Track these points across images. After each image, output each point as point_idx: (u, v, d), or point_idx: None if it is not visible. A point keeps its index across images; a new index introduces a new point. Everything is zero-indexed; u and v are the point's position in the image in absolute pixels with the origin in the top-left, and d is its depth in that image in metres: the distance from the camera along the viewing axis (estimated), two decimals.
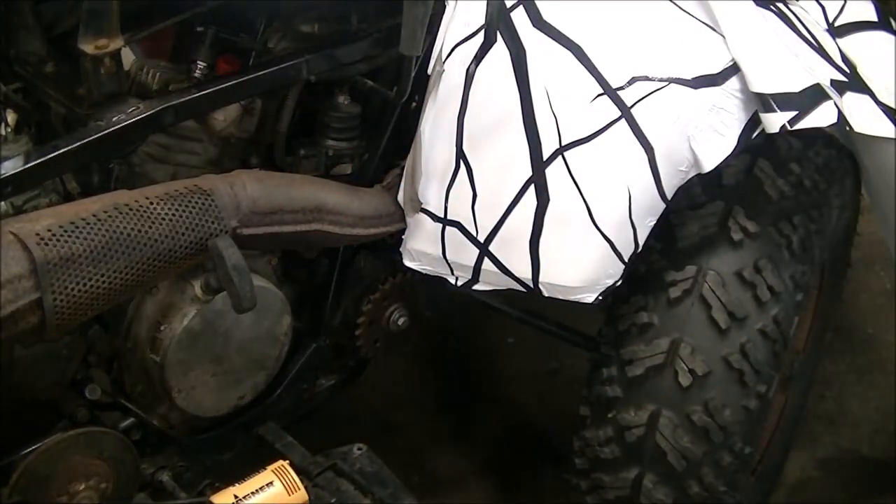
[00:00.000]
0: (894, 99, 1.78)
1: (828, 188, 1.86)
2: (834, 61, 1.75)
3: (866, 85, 1.77)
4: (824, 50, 1.76)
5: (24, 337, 1.37)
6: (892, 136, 1.73)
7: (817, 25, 1.84)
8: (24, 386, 1.54)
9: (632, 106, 1.58)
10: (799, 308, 1.79)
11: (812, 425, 2.49)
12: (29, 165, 1.45)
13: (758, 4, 1.71)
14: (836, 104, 1.62)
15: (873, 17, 1.95)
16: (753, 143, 1.67)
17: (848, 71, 1.77)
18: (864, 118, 1.70)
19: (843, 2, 1.95)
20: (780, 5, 1.78)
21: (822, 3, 1.93)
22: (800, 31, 1.74)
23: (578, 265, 1.62)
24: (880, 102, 1.75)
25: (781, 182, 1.77)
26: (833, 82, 1.69)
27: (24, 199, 1.52)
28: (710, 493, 1.75)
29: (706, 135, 1.59)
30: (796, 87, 1.60)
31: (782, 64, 1.62)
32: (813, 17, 1.87)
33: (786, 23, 1.73)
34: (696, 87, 1.59)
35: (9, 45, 1.67)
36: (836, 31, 1.88)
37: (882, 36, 1.92)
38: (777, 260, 1.72)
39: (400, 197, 1.74)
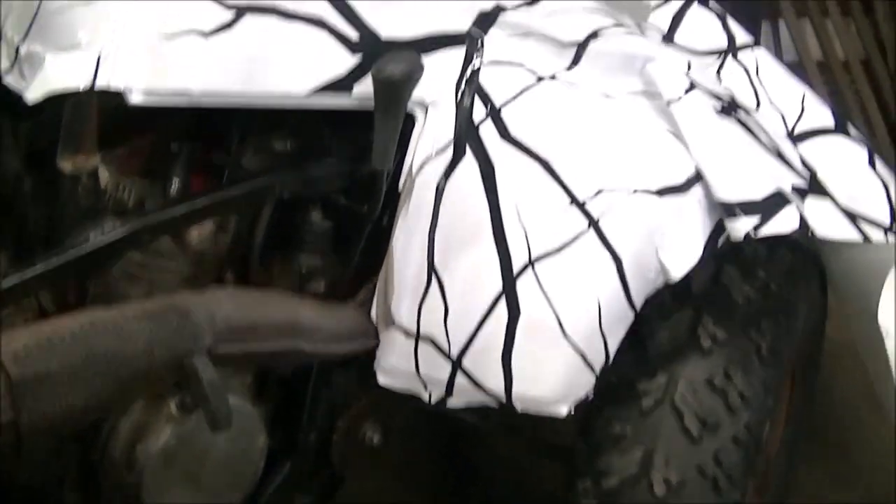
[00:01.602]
0: (855, 201, 1.83)
1: (794, 292, 1.90)
2: (794, 167, 1.80)
3: (826, 189, 1.81)
4: (784, 157, 1.80)
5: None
6: (856, 238, 1.76)
7: (777, 133, 1.90)
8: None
9: (599, 217, 1.60)
10: (770, 413, 1.81)
11: None
12: (8, 284, 1.48)
13: (719, 114, 1.76)
14: (798, 210, 1.66)
15: (830, 124, 2.01)
16: (720, 250, 1.69)
17: (808, 176, 1.81)
18: (826, 222, 1.73)
19: (801, 109, 2.01)
20: (742, 114, 1.83)
21: (782, 111, 2.00)
22: (761, 140, 1.79)
23: (551, 378, 1.62)
24: (840, 206, 1.79)
25: (748, 288, 1.81)
26: (794, 188, 1.73)
27: None
28: None
29: (673, 243, 1.61)
30: (759, 194, 1.64)
31: (745, 172, 1.67)
32: (773, 124, 1.94)
33: (747, 131, 1.78)
34: (661, 196, 1.62)
35: None
36: (796, 138, 1.94)
37: (840, 140, 1.99)
38: (746, 366, 1.74)
39: (373, 313, 1.74)
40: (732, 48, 2.13)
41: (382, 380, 1.74)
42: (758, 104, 2.01)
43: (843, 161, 1.94)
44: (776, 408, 1.95)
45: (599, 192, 1.62)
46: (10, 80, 1.56)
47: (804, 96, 2.05)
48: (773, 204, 1.64)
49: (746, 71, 2.08)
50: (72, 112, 1.51)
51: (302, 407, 1.84)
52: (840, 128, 2.01)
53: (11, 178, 1.67)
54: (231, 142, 1.77)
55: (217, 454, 1.61)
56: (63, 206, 1.60)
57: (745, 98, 2.00)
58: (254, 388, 1.76)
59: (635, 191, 1.63)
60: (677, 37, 2.14)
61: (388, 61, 1.57)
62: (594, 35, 1.75)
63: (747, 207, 1.62)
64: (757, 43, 2.17)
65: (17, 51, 1.56)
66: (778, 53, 3.98)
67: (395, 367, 1.73)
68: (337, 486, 2.00)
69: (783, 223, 1.63)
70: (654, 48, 1.76)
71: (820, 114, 2.02)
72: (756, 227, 1.61)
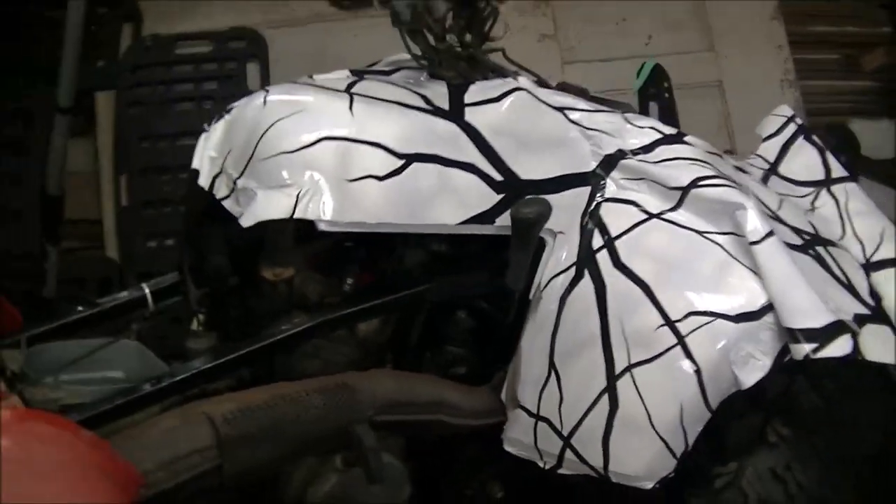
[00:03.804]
0: None
1: (857, 403, 2.21)
2: (861, 297, 2.09)
3: (887, 317, 2.09)
4: (853, 287, 2.10)
5: (204, 493, 1.79)
6: None
7: (852, 263, 2.20)
8: None
9: (686, 335, 1.94)
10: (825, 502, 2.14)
11: None
12: (219, 362, 1.94)
13: (795, 248, 2.08)
14: (852, 337, 1.95)
15: None
16: (794, 363, 1.95)
17: (873, 304, 2.09)
18: (878, 347, 1.99)
19: (880, 240, 2.30)
20: (820, 248, 2.14)
21: (863, 241, 2.30)
22: (833, 272, 2.10)
23: (640, 459, 1.96)
24: None
25: (814, 396, 2.13)
26: (856, 316, 2.01)
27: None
28: None
29: (745, 360, 1.93)
30: (819, 323, 1.91)
31: (808, 304, 1.94)
32: (853, 253, 2.25)
33: (821, 265, 2.09)
34: (737, 322, 1.94)
35: (202, 260, 2.18)
36: (871, 266, 2.23)
37: None
38: (806, 461, 2.07)
39: (503, 395, 2.15)
40: (828, 181, 2.45)
41: (508, 447, 2.13)
42: (843, 234, 2.33)
43: None
44: (835, 499, 2.20)
45: (688, 314, 1.96)
46: (228, 205, 2.03)
47: (884, 228, 2.34)
48: (830, 332, 1.92)
49: (837, 203, 2.39)
50: (275, 235, 1.96)
51: (443, 466, 2.27)
52: None
53: (222, 276, 2.13)
54: (395, 244, 2.18)
55: (371, 501, 2.01)
56: (261, 301, 2.05)
57: (833, 227, 2.35)
58: (405, 448, 2.18)
59: (716, 315, 1.96)
60: (781, 167, 2.50)
61: (524, 205, 1.99)
62: (695, 183, 2.09)
63: (808, 334, 1.91)
64: (850, 178, 2.49)
65: (234, 183, 2.03)
66: None
67: (518, 439, 2.11)
68: None
69: (837, 349, 1.91)
70: (743, 198, 2.05)
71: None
72: (814, 351, 1.90)
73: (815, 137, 2.56)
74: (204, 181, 2.12)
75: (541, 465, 2.09)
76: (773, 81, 4.24)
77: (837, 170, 2.49)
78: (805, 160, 2.52)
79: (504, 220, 2.03)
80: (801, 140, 2.55)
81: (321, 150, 1.98)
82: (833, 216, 2.38)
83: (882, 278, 2.23)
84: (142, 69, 3.88)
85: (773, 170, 2.51)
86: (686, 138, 2.27)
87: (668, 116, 3.11)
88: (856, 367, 2.12)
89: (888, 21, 4.50)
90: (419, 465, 2.20)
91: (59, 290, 3.44)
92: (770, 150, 2.56)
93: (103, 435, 1.68)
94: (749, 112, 2.73)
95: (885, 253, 2.29)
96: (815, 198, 2.43)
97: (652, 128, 2.25)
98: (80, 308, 2.18)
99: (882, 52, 4.34)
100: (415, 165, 2.00)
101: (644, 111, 3.11)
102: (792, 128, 2.57)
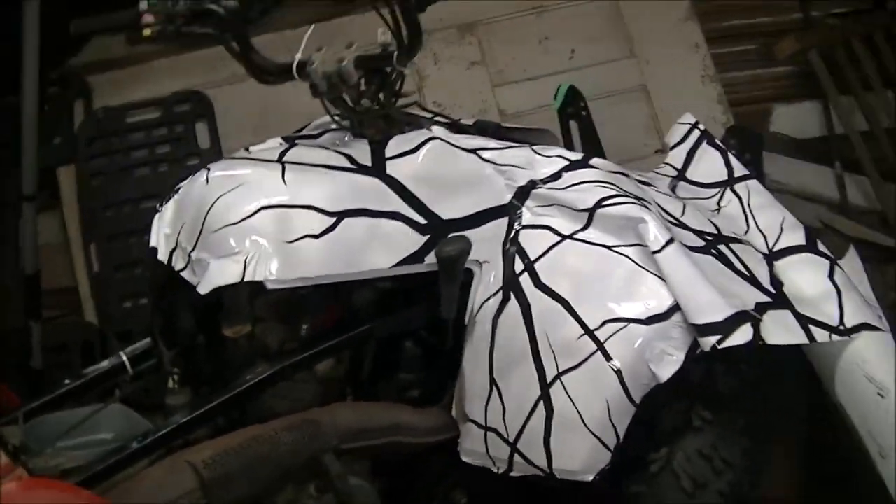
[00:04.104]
0: (809, 308, 2.32)
1: (771, 380, 2.45)
2: (762, 286, 2.31)
3: (788, 301, 2.31)
4: (755, 278, 2.32)
5: None
6: (803, 340, 2.25)
7: (754, 255, 2.43)
8: None
9: (604, 341, 2.17)
10: (751, 473, 2.36)
11: None
12: (196, 415, 2.18)
13: (697, 250, 2.30)
14: (752, 325, 2.16)
15: (803, 241, 2.52)
16: (710, 353, 2.16)
17: (774, 292, 2.31)
18: (778, 331, 2.21)
19: (780, 230, 2.54)
20: (721, 247, 2.37)
21: (765, 233, 2.53)
22: (735, 267, 2.32)
23: (578, 456, 2.18)
24: (800, 314, 2.28)
25: (731, 379, 2.36)
26: (757, 305, 2.23)
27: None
28: None
29: (660, 356, 2.15)
30: (720, 317, 2.14)
31: (709, 301, 2.16)
32: (756, 246, 2.48)
33: (723, 262, 2.32)
34: (649, 324, 2.16)
35: (170, 324, 2.42)
36: (773, 256, 2.47)
37: (808, 256, 2.48)
38: (728, 439, 2.32)
39: (453, 412, 2.38)
40: (731, 180, 2.69)
41: (464, 458, 2.35)
42: (747, 228, 2.57)
43: (807, 274, 2.43)
44: (762, 469, 2.44)
45: (604, 322, 2.19)
46: (186, 275, 2.26)
47: (784, 219, 2.57)
48: (731, 323, 2.15)
49: (740, 200, 2.63)
50: (230, 298, 2.20)
51: (409, 482, 2.50)
52: (810, 245, 2.52)
53: (189, 337, 2.37)
54: (344, 288, 2.38)
55: None
56: (227, 355, 2.30)
57: (738, 223, 2.58)
58: (371, 468, 2.37)
59: (629, 320, 2.19)
60: (688, 172, 2.75)
61: (446, 244, 2.23)
62: (600, 203, 2.32)
63: (712, 328, 2.14)
64: (750, 176, 2.71)
65: (189, 256, 2.26)
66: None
67: (472, 449, 2.34)
68: None
69: (738, 337, 2.14)
70: (643, 212, 2.27)
71: (795, 234, 2.53)
72: (718, 342, 2.14)
73: (717, 141, 2.80)
74: (162, 256, 2.33)
75: (494, 470, 2.30)
76: (694, 78, 4.42)
77: (739, 169, 2.72)
78: (709, 163, 2.75)
79: (432, 258, 2.26)
80: (704, 145, 2.78)
81: (261, 219, 2.19)
82: (737, 213, 2.62)
83: (783, 265, 2.46)
84: (97, 141, 4.04)
85: (681, 176, 2.75)
86: (591, 161, 2.48)
87: (588, 131, 3.35)
88: (769, 349, 2.31)
89: (798, 8, 4.73)
90: (388, 483, 2.41)
91: (45, 359, 3.63)
92: (677, 157, 2.80)
93: (101, 492, 1.92)
94: (675, 110, 2.92)
95: (785, 242, 2.52)
96: (721, 197, 2.67)
97: (559, 156, 2.47)
98: (66, 381, 2.39)
99: (793, 38, 4.56)
100: (346, 221, 2.22)
101: (565, 130, 3.36)
102: (696, 134, 2.81)
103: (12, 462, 1.93)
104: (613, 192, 2.35)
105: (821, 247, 2.55)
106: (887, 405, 2.59)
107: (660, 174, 2.77)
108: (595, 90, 4.13)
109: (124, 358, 2.42)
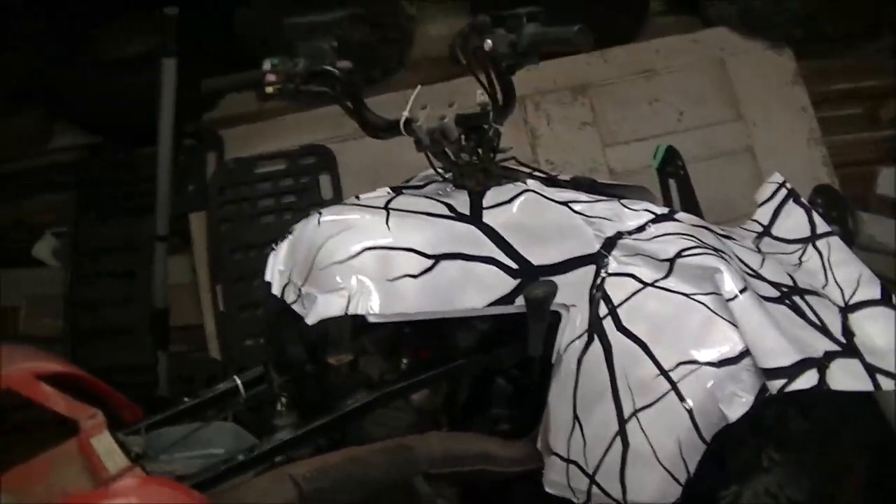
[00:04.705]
0: (878, 359, 2.42)
1: (843, 425, 2.56)
2: (833, 336, 2.43)
3: (858, 351, 2.42)
4: (826, 328, 2.45)
5: None
6: (868, 388, 2.35)
7: (829, 307, 2.55)
8: None
9: (678, 381, 2.32)
10: None
11: None
12: (298, 434, 2.40)
13: (772, 300, 2.44)
14: (819, 371, 2.29)
15: (878, 296, 2.62)
16: (786, 396, 2.29)
17: (844, 342, 2.43)
18: (844, 378, 2.33)
19: (857, 285, 2.65)
20: (796, 298, 2.50)
21: (842, 287, 2.65)
22: (807, 317, 2.45)
23: (651, 488, 2.33)
24: (868, 364, 2.40)
25: (802, 422, 2.48)
26: (826, 353, 2.36)
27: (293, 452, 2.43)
28: None
29: (730, 398, 2.29)
30: (788, 362, 2.28)
31: (778, 347, 2.31)
32: (833, 299, 2.60)
33: (796, 312, 2.45)
34: (720, 367, 2.31)
35: (282, 353, 2.64)
36: (849, 309, 2.58)
37: (882, 310, 2.59)
38: (795, 480, 2.44)
39: (539, 445, 2.54)
40: (813, 237, 2.83)
41: (547, 488, 2.52)
42: (826, 282, 2.70)
43: (879, 326, 2.54)
44: None
45: (678, 364, 2.34)
46: (296, 308, 2.48)
47: (861, 274, 2.68)
48: (797, 368, 2.29)
49: (821, 255, 2.77)
50: (334, 328, 2.41)
51: None
52: (885, 299, 2.62)
53: (299, 364, 2.59)
54: (443, 327, 2.58)
55: None
56: (330, 381, 2.51)
57: (818, 277, 2.71)
58: (461, 496, 2.58)
59: (701, 363, 2.34)
60: (773, 229, 2.90)
61: (534, 287, 2.42)
62: (680, 254, 2.49)
63: (779, 372, 2.28)
64: (832, 233, 2.83)
65: (299, 290, 2.49)
66: None
67: (554, 480, 2.51)
68: None
69: (803, 382, 2.28)
70: (720, 263, 2.43)
71: (871, 288, 2.64)
72: (784, 386, 2.27)
73: (802, 199, 2.95)
74: (276, 290, 2.56)
75: (575, 501, 2.47)
76: (800, 140, 4.51)
77: (822, 226, 2.85)
78: (794, 220, 2.89)
79: (521, 300, 2.45)
80: (791, 203, 2.93)
81: (365, 259, 2.40)
82: (817, 268, 2.75)
83: (857, 318, 2.58)
84: (227, 189, 4.32)
85: (766, 232, 2.90)
86: (676, 216, 2.66)
87: (685, 189, 3.51)
88: (843, 395, 2.45)
89: None
90: None
91: (171, 390, 3.89)
92: (764, 214, 2.95)
93: (210, 496, 2.14)
94: (781, 171, 3.04)
95: (861, 296, 2.64)
96: (803, 253, 2.80)
97: (645, 210, 2.65)
98: (185, 399, 2.64)
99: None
100: (443, 263, 2.41)
101: (664, 188, 3.52)
102: (783, 192, 2.96)
103: (132, 463, 2.16)
104: (693, 244, 2.52)
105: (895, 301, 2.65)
106: None
107: (746, 230, 2.92)
108: (703, 151, 4.33)
109: (238, 382, 2.65)
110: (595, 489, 2.42)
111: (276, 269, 2.61)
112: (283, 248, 2.63)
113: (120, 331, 4.19)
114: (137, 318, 4.09)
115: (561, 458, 2.48)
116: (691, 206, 3.42)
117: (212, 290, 4.22)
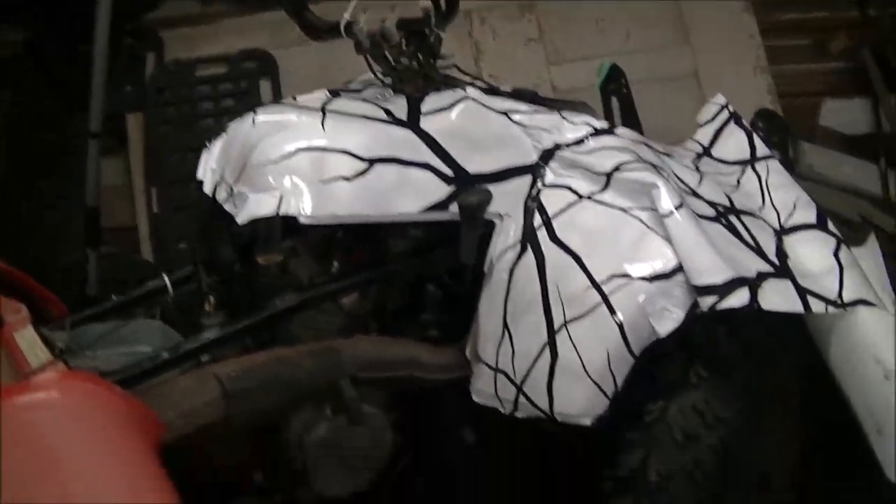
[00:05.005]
0: (811, 281, 2.44)
1: (773, 345, 2.55)
2: (767, 257, 2.43)
3: (791, 272, 2.43)
4: (761, 249, 2.44)
5: (216, 439, 2.20)
6: (799, 310, 2.37)
7: (764, 228, 2.55)
8: (215, 470, 2.33)
9: (609, 294, 2.31)
10: (742, 433, 2.47)
11: None
12: (224, 333, 2.37)
13: (708, 219, 2.42)
14: (750, 290, 2.29)
15: (813, 220, 2.65)
16: (715, 314, 2.29)
17: (777, 263, 2.43)
18: (775, 298, 2.33)
19: (793, 208, 2.67)
20: (732, 218, 2.49)
21: (778, 210, 2.66)
22: (742, 237, 2.44)
23: (578, 401, 2.33)
24: (800, 286, 2.41)
25: (732, 341, 2.45)
26: (759, 273, 2.36)
27: (219, 351, 2.40)
28: None
29: (660, 313, 2.28)
30: (720, 280, 2.27)
31: (711, 264, 2.29)
32: (769, 221, 2.60)
33: (731, 231, 2.44)
34: (651, 282, 2.30)
35: (211, 252, 2.61)
36: (784, 231, 2.59)
37: (817, 234, 2.62)
38: (722, 397, 2.42)
39: (467, 352, 2.53)
40: (753, 159, 2.82)
41: (475, 397, 2.51)
42: (762, 205, 2.69)
43: (812, 249, 2.56)
44: (750, 427, 2.53)
45: (611, 277, 2.33)
46: (227, 207, 2.44)
47: (798, 198, 2.69)
48: (730, 286, 2.28)
49: (759, 178, 2.76)
50: (264, 228, 2.38)
51: (421, 415, 2.67)
52: (820, 223, 2.65)
53: (228, 264, 2.56)
54: (379, 232, 2.57)
55: (357, 443, 2.38)
56: (259, 282, 2.48)
57: (755, 199, 2.71)
58: (386, 401, 2.49)
59: (634, 277, 2.33)
60: (714, 150, 2.89)
61: (468, 194, 2.39)
62: (617, 168, 2.46)
63: (710, 289, 2.27)
64: (771, 156, 2.83)
65: (231, 189, 2.45)
66: None
67: (482, 389, 2.50)
68: (446, 474, 2.79)
69: (734, 300, 2.27)
70: (657, 178, 2.40)
71: (807, 212, 2.66)
72: (715, 303, 2.27)
73: (744, 122, 2.94)
74: (208, 189, 2.54)
75: (502, 410, 2.46)
76: (746, 68, 4.51)
77: (762, 149, 2.85)
78: (734, 142, 2.89)
79: (456, 208, 2.42)
80: (732, 125, 2.92)
81: (299, 159, 2.37)
82: (755, 190, 2.74)
83: (792, 241, 2.58)
84: (166, 90, 4.28)
85: (706, 152, 2.89)
86: (615, 130, 2.64)
87: (627, 109, 3.49)
88: (773, 317, 2.44)
89: (855, 5, 4.81)
90: (400, 416, 2.54)
91: (102, 291, 3.84)
92: (704, 134, 2.94)
93: (133, 393, 2.11)
94: (725, 98, 3.06)
95: (797, 219, 2.65)
96: (741, 175, 2.80)
97: (585, 123, 2.62)
98: (113, 297, 2.60)
99: (846, 34, 4.66)
100: (378, 167, 2.38)
101: (606, 106, 3.50)
102: (725, 114, 2.95)
103: (54, 358, 2.13)
104: (631, 159, 2.49)
105: (830, 226, 2.67)
106: (892, 387, 2.72)
107: (686, 149, 2.91)
108: (648, 74, 4.29)
109: (166, 280, 2.62)
110: (522, 399, 2.41)
111: (209, 167, 2.58)
112: (216, 147, 2.60)
113: (52, 230, 4.11)
114: (70, 218, 4.01)
115: (489, 367, 2.47)
116: (633, 126, 3.40)
117: (146, 191, 4.20)
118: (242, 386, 2.20)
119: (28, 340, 2.21)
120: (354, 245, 2.57)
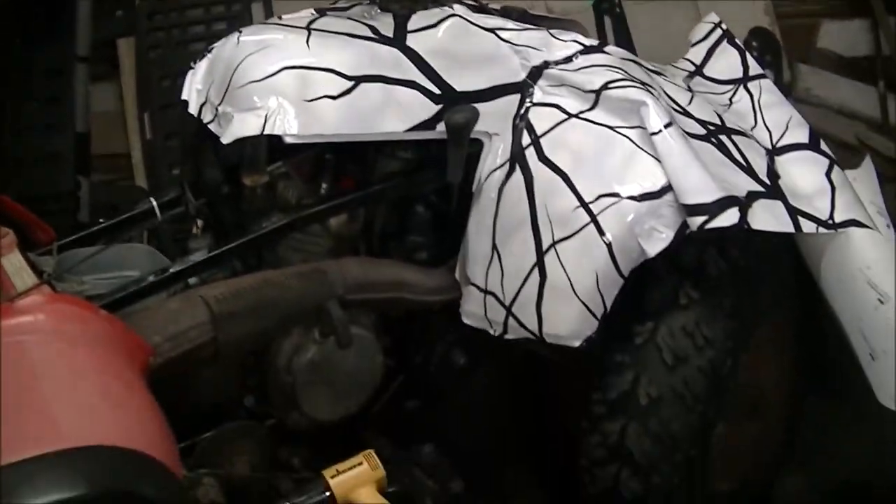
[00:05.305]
0: (802, 201, 2.42)
1: (762, 267, 2.54)
2: (758, 177, 2.40)
3: (782, 193, 2.41)
4: (752, 169, 2.41)
5: (204, 363, 2.19)
6: (789, 229, 2.35)
7: (756, 148, 2.52)
8: (204, 394, 2.32)
9: (598, 214, 2.28)
10: (731, 353, 2.46)
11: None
12: (211, 255, 2.35)
13: (698, 137, 2.39)
14: (740, 210, 2.26)
15: (805, 140, 2.63)
16: (705, 235, 2.27)
17: (768, 183, 2.40)
18: (766, 218, 2.30)
19: (785, 128, 2.65)
20: (723, 137, 2.46)
21: (770, 129, 2.64)
22: (733, 157, 2.41)
23: (567, 322, 2.31)
24: (791, 206, 2.38)
25: (721, 263, 2.45)
26: (749, 193, 2.33)
27: (207, 274, 2.39)
28: (668, 484, 2.45)
29: (649, 233, 2.25)
30: (710, 199, 2.24)
31: (701, 183, 2.26)
32: (761, 141, 2.58)
33: (721, 151, 2.41)
34: (640, 201, 2.27)
35: (198, 174, 2.59)
36: (776, 151, 2.57)
37: (808, 154, 2.60)
38: (712, 319, 2.41)
39: (456, 274, 2.52)
40: (745, 78, 2.79)
41: (464, 319, 2.50)
42: (754, 124, 2.67)
43: (804, 170, 2.54)
44: (740, 349, 2.53)
45: (599, 197, 2.30)
46: (212, 127, 2.42)
47: (791, 118, 2.67)
48: (719, 206, 2.24)
49: (751, 97, 2.74)
50: (250, 148, 2.36)
51: (412, 339, 2.67)
52: (813, 143, 2.62)
53: (215, 186, 2.54)
54: (368, 154, 2.56)
55: (346, 366, 2.37)
56: (247, 204, 2.46)
57: (747, 119, 2.68)
58: (378, 324, 2.50)
59: (622, 196, 2.29)
60: (706, 69, 2.86)
61: (455, 112, 2.37)
62: (606, 85, 2.43)
63: (700, 208, 2.23)
64: (764, 75, 2.80)
65: (216, 109, 2.42)
66: None
67: (472, 311, 2.48)
68: (437, 397, 2.77)
69: (724, 220, 2.23)
70: (646, 96, 2.37)
71: (799, 132, 2.64)
72: (705, 223, 2.23)
73: (736, 41, 2.90)
74: (193, 109, 2.51)
75: (491, 332, 2.45)
76: None
77: (754, 69, 2.81)
78: (727, 61, 2.85)
79: (443, 127, 2.39)
80: (724, 43, 2.88)
81: (283, 78, 2.35)
82: (747, 109, 2.72)
83: (783, 161, 2.56)
84: (157, 15, 4.22)
85: (698, 71, 2.85)
86: (605, 48, 2.60)
87: (620, 28, 3.45)
88: (764, 239, 2.45)
89: None
90: (391, 340, 2.57)
91: (94, 217, 3.82)
92: (697, 53, 2.91)
93: (119, 317, 2.10)
94: (722, 20, 3.00)
95: (789, 139, 2.63)
96: (734, 94, 2.77)
97: (574, 41, 2.58)
98: (101, 220, 2.58)
99: None
100: (363, 85, 2.36)
101: (599, 24, 3.46)
102: (718, 33, 2.91)
103: (40, 282, 2.12)
104: (620, 77, 2.46)
105: (823, 147, 2.65)
106: (886, 311, 2.71)
107: (677, 68, 2.87)
108: None
109: (154, 203, 2.60)
110: (512, 321, 2.40)
111: (194, 87, 2.55)
112: (201, 67, 2.57)
113: (43, 157, 4.08)
114: (61, 145, 3.98)
115: (479, 288, 2.45)
116: (626, 45, 3.37)
117: (139, 117, 4.16)
118: (230, 308, 2.18)
119: (14, 265, 2.19)
120: (343, 166, 2.54)
